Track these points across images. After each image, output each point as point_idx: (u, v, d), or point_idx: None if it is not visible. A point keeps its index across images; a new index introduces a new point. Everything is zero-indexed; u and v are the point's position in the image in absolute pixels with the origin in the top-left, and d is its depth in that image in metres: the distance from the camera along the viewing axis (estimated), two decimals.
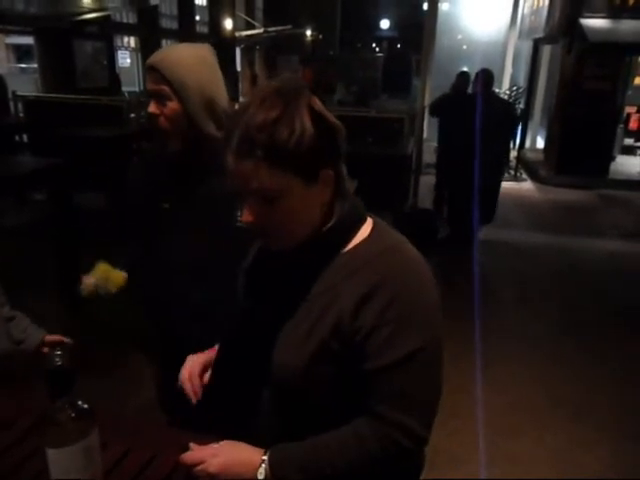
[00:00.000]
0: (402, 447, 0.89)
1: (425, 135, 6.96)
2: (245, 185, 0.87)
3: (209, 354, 1.15)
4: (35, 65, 11.18)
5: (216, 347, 1.15)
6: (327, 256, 0.95)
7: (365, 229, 0.97)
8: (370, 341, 0.89)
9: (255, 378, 1.00)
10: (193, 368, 1.12)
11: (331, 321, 0.91)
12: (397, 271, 0.92)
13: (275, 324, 0.97)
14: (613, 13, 7.82)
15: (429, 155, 7.42)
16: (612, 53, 7.89)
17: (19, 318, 1.44)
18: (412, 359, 0.88)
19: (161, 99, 1.32)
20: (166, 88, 1.30)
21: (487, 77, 4.98)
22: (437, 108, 5.93)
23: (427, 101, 6.98)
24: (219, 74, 1.40)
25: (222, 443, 0.96)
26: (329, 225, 0.94)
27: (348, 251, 0.95)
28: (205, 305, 1.36)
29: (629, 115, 9.70)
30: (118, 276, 1.45)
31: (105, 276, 1.45)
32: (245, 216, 0.91)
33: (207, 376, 1.12)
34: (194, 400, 1.09)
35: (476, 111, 4.52)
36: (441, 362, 0.94)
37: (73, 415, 0.84)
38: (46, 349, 1.36)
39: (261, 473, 0.90)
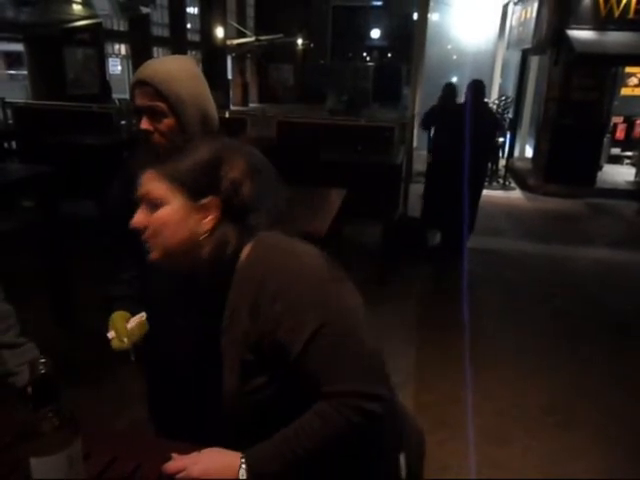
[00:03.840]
0: (363, 410, 0.92)
1: (415, 144, 7.01)
2: (139, 190, 1.00)
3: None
4: (25, 72, 11.12)
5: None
6: (217, 281, 1.02)
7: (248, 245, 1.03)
8: (277, 340, 0.95)
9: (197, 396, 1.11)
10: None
11: (239, 337, 0.99)
12: (271, 269, 0.98)
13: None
14: (599, 25, 7.93)
15: (419, 164, 7.47)
16: (599, 64, 8.00)
17: (24, 349, 1.35)
18: (319, 335, 0.93)
19: (156, 115, 1.27)
20: (161, 104, 1.26)
21: (477, 88, 5.00)
22: (427, 120, 6.00)
23: (417, 110, 7.05)
24: (207, 86, 1.37)
25: (203, 451, 1.00)
26: (207, 255, 1.01)
27: (237, 268, 1.01)
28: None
29: (616, 125, 9.85)
30: (139, 325, 1.35)
31: (123, 326, 1.35)
32: (134, 219, 1.00)
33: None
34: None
35: (464, 122, 4.55)
36: (356, 329, 0.98)
37: (57, 424, 0.83)
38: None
39: (242, 474, 0.95)
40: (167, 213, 0.98)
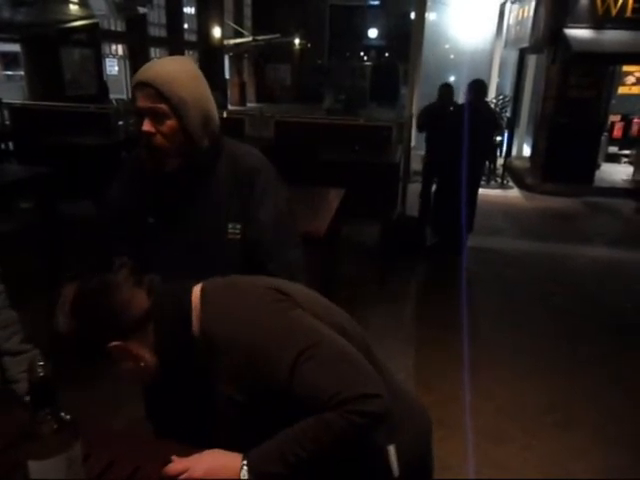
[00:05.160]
0: (363, 412, 0.93)
1: (413, 143, 7.01)
2: None
3: None
4: (22, 73, 11.10)
5: None
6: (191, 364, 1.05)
7: (195, 304, 1.06)
8: (266, 385, 0.98)
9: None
10: None
11: (225, 389, 1.02)
12: (227, 327, 1.02)
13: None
14: (596, 24, 7.94)
15: (417, 163, 7.47)
16: (596, 63, 8.01)
17: (28, 357, 1.33)
18: (300, 362, 0.96)
19: (158, 117, 1.26)
20: (164, 106, 1.25)
21: (479, 87, 5.00)
22: (423, 118, 6.00)
23: (415, 109, 7.04)
24: (208, 87, 1.36)
25: (204, 452, 1.01)
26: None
27: (197, 337, 1.05)
28: None
29: (613, 123, 9.87)
30: None
31: None
32: None
33: None
34: None
35: (463, 121, 4.55)
36: (331, 339, 1.01)
37: (56, 427, 0.83)
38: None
39: (244, 475, 0.95)
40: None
